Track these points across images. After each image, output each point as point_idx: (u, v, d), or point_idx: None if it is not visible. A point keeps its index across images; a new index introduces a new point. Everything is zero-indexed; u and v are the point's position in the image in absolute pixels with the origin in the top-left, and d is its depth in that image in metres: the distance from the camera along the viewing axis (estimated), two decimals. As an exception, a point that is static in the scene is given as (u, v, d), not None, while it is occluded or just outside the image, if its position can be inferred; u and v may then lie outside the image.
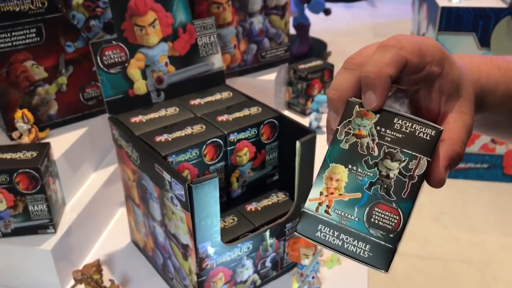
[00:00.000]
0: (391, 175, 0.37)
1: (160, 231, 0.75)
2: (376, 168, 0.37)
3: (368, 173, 0.37)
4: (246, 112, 0.80)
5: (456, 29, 1.94)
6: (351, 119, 0.39)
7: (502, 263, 1.81)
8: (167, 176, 0.65)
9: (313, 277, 0.76)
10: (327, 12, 2.88)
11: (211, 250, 0.68)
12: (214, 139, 0.74)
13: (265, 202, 0.81)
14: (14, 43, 0.84)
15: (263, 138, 0.79)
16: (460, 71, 0.39)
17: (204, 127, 0.76)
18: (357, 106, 0.39)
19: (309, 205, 0.38)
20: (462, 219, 2.03)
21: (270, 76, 1.23)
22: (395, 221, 0.35)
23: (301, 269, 0.76)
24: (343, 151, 0.38)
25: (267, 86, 1.22)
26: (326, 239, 0.37)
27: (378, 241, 0.35)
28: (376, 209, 0.36)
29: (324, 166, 0.38)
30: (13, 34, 0.83)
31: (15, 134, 0.86)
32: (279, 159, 0.84)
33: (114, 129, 0.78)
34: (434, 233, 1.96)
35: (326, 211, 0.37)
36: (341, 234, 0.36)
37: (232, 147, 0.76)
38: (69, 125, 0.95)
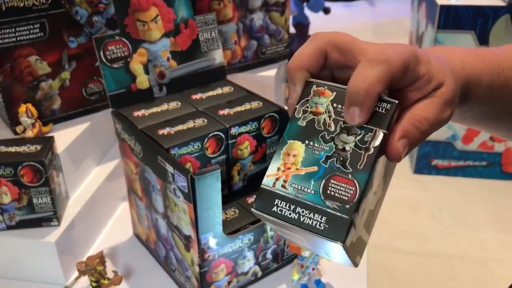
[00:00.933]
0: (347, 148, 0.37)
1: (162, 223, 0.76)
2: (332, 142, 0.37)
3: (324, 147, 0.37)
4: (247, 106, 0.81)
5: (455, 27, 1.95)
6: (308, 98, 0.39)
7: (501, 260, 1.82)
8: (169, 168, 0.66)
9: (313, 269, 0.77)
10: (327, 11, 2.87)
11: (213, 242, 0.69)
12: (216, 133, 0.75)
13: (266, 195, 0.82)
14: (18, 39, 0.85)
15: (264, 132, 0.80)
16: (438, 66, 0.38)
17: (205, 120, 0.77)
18: (314, 86, 0.39)
19: (267, 181, 0.38)
20: (460, 216, 2.04)
21: (270, 72, 1.24)
22: (351, 192, 0.35)
23: (301, 261, 0.77)
24: (301, 128, 0.39)
25: (267, 82, 1.22)
26: (282, 213, 0.37)
27: (334, 212, 0.35)
28: (332, 181, 0.36)
29: (282, 143, 0.39)
30: (17, 29, 0.84)
31: (19, 129, 0.87)
32: (279, 153, 0.85)
33: (117, 123, 0.79)
34: (432, 230, 1.97)
35: (283, 186, 0.37)
36: (297, 208, 0.36)
37: (234, 140, 0.77)
38: (72, 120, 0.96)
